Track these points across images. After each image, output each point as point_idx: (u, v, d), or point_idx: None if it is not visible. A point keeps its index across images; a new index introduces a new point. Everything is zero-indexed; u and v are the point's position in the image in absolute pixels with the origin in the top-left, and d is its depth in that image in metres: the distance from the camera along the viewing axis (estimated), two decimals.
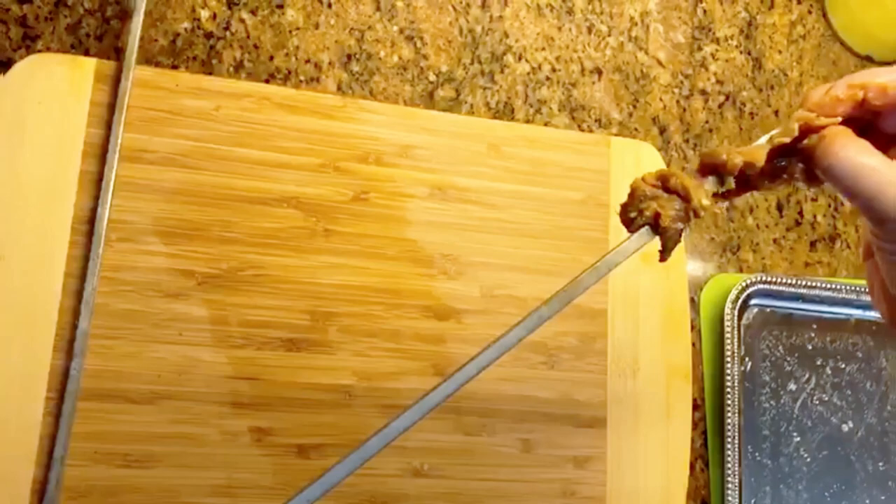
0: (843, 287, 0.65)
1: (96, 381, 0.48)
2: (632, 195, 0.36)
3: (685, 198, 0.35)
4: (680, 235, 0.36)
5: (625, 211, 0.36)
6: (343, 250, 0.54)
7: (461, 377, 0.34)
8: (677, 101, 0.67)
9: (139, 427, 0.49)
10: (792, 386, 0.64)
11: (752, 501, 0.61)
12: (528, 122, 0.62)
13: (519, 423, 0.55)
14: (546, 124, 0.63)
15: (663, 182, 0.36)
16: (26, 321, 0.48)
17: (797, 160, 0.35)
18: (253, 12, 0.58)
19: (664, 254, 0.36)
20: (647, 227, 0.35)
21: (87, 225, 0.50)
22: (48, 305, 0.49)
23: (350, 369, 0.53)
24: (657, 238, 0.36)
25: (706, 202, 0.35)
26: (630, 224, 0.36)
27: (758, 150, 0.35)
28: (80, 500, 0.47)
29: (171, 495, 0.48)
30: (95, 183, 0.50)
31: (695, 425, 0.61)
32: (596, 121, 0.65)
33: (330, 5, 0.59)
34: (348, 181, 0.55)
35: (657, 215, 0.35)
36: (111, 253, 0.50)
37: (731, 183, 0.36)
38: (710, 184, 0.35)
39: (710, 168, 0.35)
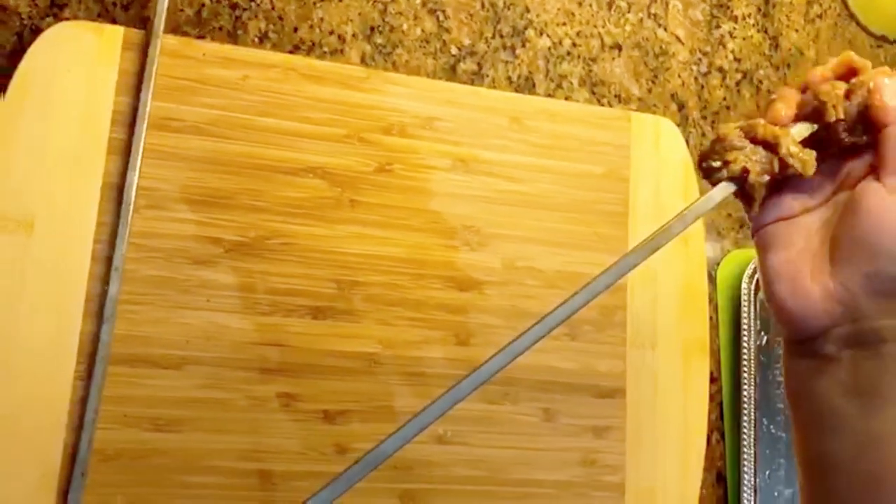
0: None
1: (125, 346, 0.49)
2: (717, 141, 0.36)
3: (772, 147, 0.35)
4: (765, 189, 0.35)
5: (705, 158, 0.36)
6: (368, 220, 0.55)
7: (562, 312, 0.34)
8: (695, 78, 0.68)
9: (168, 392, 0.49)
10: None
11: (767, 473, 0.61)
12: (548, 96, 0.63)
13: (540, 393, 0.56)
14: (566, 99, 0.63)
15: (747, 133, 0.35)
16: (56, 287, 0.48)
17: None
18: None
19: (751, 206, 0.36)
20: (730, 181, 0.35)
21: (116, 192, 0.50)
22: (78, 271, 0.49)
23: (375, 337, 0.53)
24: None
25: (794, 149, 0.34)
26: (710, 172, 0.36)
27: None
28: (110, 463, 0.48)
29: (199, 459, 0.49)
30: (124, 150, 0.51)
31: (711, 398, 0.61)
32: (616, 96, 0.65)
33: None
34: (373, 152, 0.56)
35: (745, 169, 0.35)
36: (140, 220, 0.50)
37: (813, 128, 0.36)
38: (797, 131, 0.35)
39: (805, 112, 0.36)
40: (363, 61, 0.59)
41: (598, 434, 0.56)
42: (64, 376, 0.48)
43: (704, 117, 0.67)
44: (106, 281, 0.49)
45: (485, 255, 0.57)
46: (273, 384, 0.51)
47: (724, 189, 0.35)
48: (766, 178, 0.35)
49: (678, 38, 0.68)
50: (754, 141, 0.35)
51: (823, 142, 0.36)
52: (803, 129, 0.36)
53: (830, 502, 0.35)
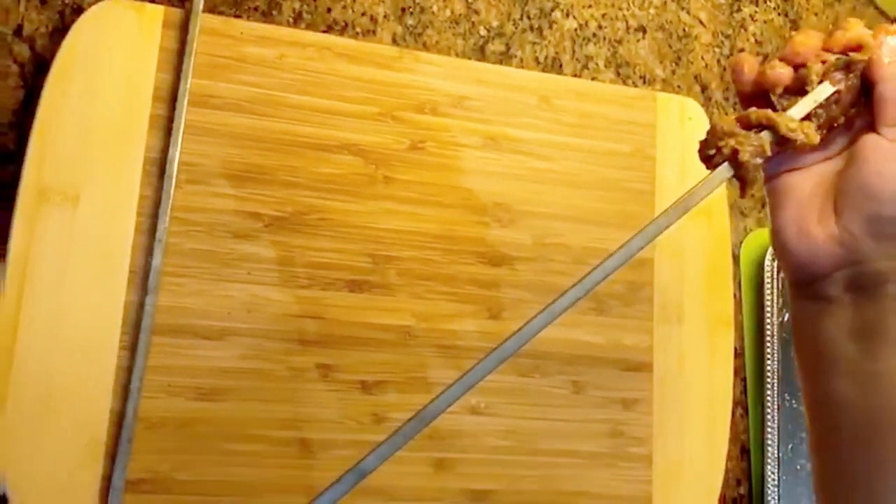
0: None
1: (169, 316, 0.50)
2: (710, 132, 0.37)
3: (772, 128, 0.36)
4: (759, 171, 0.36)
5: (703, 149, 0.37)
6: (401, 197, 0.56)
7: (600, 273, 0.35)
8: (718, 60, 0.69)
9: (210, 362, 0.50)
10: None
11: (790, 446, 0.63)
12: (575, 76, 0.64)
13: (569, 366, 0.57)
14: (593, 79, 0.64)
15: (742, 121, 0.37)
16: (101, 258, 0.50)
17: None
18: None
19: (744, 189, 0.37)
20: (725, 163, 0.36)
21: (158, 167, 0.51)
22: (122, 244, 0.50)
23: (409, 311, 0.55)
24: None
25: (793, 125, 0.36)
26: (709, 161, 0.37)
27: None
28: (155, 431, 0.49)
29: (241, 427, 0.50)
30: (165, 126, 0.52)
31: (734, 373, 0.63)
32: (640, 77, 0.66)
33: None
34: (405, 130, 0.57)
35: (735, 151, 0.36)
36: (181, 194, 0.51)
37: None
38: (796, 110, 0.36)
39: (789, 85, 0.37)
40: (394, 42, 0.60)
41: (625, 406, 0.58)
42: (109, 346, 0.49)
43: (727, 98, 0.68)
44: (149, 253, 0.50)
45: (515, 232, 0.58)
46: (312, 355, 0.52)
47: (720, 173, 0.36)
48: (759, 160, 0.36)
49: (701, 21, 0.69)
50: (748, 127, 0.36)
51: (832, 109, 0.37)
52: (804, 107, 0.37)
53: (836, 441, 0.37)
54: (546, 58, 0.64)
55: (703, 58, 0.68)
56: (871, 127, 0.36)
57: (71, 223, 0.49)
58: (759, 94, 0.38)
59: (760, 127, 0.36)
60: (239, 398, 0.50)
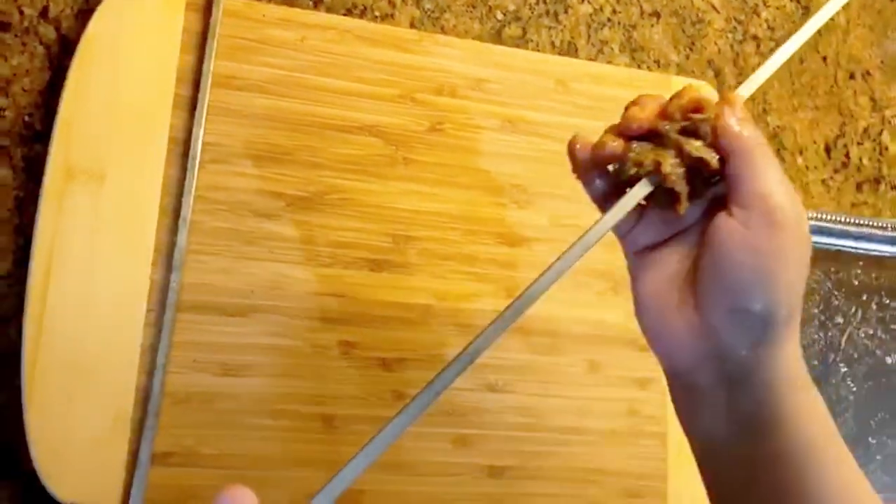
0: (889, 225, 0.67)
1: (193, 294, 0.51)
2: (623, 156, 0.36)
3: (657, 166, 0.35)
4: (684, 182, 0.35)
5: (620, 171, 0.36)
6: (421, 178, 0.57)
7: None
8: (731, 46, 0.70)
9: (235, 338, 0.51)
10: (839, 319, 0.66)
11: None
12: (590, 61, 0.64)
13: (585, 345, 0.58)
14: (608, 64, 0.65)
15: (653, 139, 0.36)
16: (127, 237, 0.50)
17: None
18: None
19: (678, 201, 0.35)
20: (650, 175, 0.35)
21: (182, 147, 0.52)
22: (147, 222, 0.51)
23: (429, 290, 0.55)
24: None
25: (666, 168, 0.34)
26: (632, 181, 0.36)
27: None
28: (180, 406, 0.50)
29: (264, 403, 0.51)
30: (189, 107, 0.53)
31: None
32: (655, 62, 0.67)
33: None
34: (424, 112, 0.57)
35: (658, 164, 0.35)
36: (205, 174, 0.52)
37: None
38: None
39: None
40: (412, 26, 0.61)
41: (641, 385, 0.58)
42: (135, 322, 0.50)
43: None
44: (174, 231, 0.51)
45: (532, 213, 0.58)
46: (334, 332, 0.53)
47: (644, 186, 0.35)
48: (682, 169, 0.35)
49: (714, 7, 0.70)
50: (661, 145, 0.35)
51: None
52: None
53: None
54: (562, 42, 0.64)
55: (716, 43, 0.69)
56: (724, 202, 0.34)
57: (97, 202, 0.50)
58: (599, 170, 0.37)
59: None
60: (263, 374, 0.51)
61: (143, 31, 0.52)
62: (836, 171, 0.70)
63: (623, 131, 0.37)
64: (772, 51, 0.40)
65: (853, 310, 0.67)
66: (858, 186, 0.71)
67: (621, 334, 0.59)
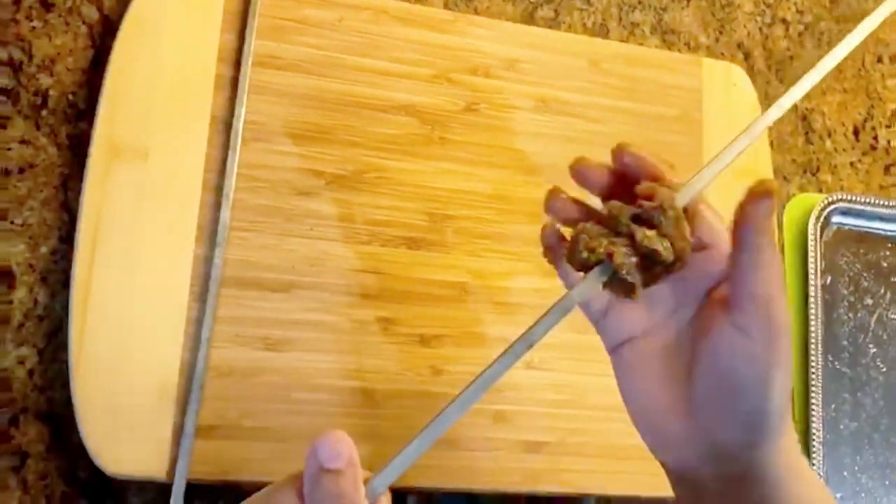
0: None
1: (236, 269, 0.52)
2: (575, 236, 0.35)
3: (609, 256, 0.34)
4: (636, 273, 0.34)
5: (572, 252, 0.35)
6: (456, 157, 0.57)
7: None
8: (760, 29, 0.70)
9: (276, 314, 0.52)
10: (868, 300, 0.67)
11: (833, 406, 0.64)
12: (622, 42, 0.65)
13: None
14: (639, 46, 0.65)
15: (608, 225, 0.35)
16: (171, 213, 0.51)
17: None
18: None
19: (630, 292, 0.34)
20: (602, 264, 0.34)
21: (224, 125, 0.53)
22: (190, 199, 0.51)
23: (465, 268, 0.56)
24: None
25: (618, 260, 0.34)
26: (582, 265, 0.35)
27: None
28: (223, 379, 0.50)
29: (306, 377, 0.52)
30: (230, 86, 0.53)
31: None
32: (685, 44, 0.67)
33: None
34: (460, 92, 0.58)
35: (610, 254, 0.34)
36: (246, 152, 0.53)
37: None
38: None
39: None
40: (446, 7, 0.61)
41: None
42: (179, 297, 0.50)
43: (769, 66, 0.69)
44: (216, 208, 0.52)
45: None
46: (372, 309, 0.53)
47: (599, 274, 0.34)
48: (634, 259, 0.34)
49: None
50: (618, 234, 0.34)
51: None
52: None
53: None
54: (594, 24, 0.65)
55: (745, 26, 0.69)
56: (721, 304, 0.33)
57: (141, 178, 0.51)
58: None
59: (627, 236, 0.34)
60: (304, 349, 0.52)
61: (184, 11, 0.53)
62: (864, 153, 0.71)
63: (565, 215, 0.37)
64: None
65: (882, 291, 0.67)
66: (886, 169, 0.71)
67: None
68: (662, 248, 0.33)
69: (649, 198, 0.34)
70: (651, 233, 0.34)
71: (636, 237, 0.34)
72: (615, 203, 0.35)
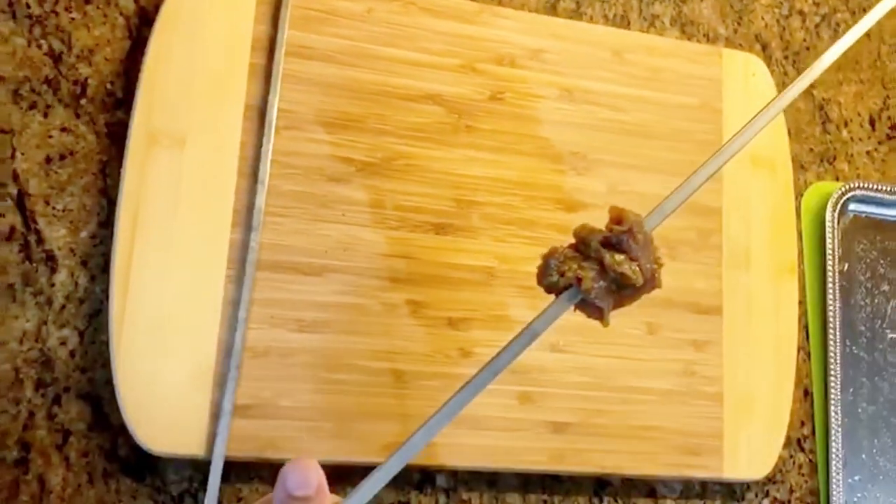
0: None
1: (271, 253, 0.53)
2: (546, 259, 0.36)
3: (578, 281, 0.35)
4: (607, 297, 0.35)
5: (542, 274, 0.36)
6: (482, 145, 0.58)
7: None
8: (777, 20, 0.71)
9: (310, 296, 0.53)
10: (885, 287, 0.68)
11: (851, 391, 0.65)
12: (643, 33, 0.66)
13: (643, 308, 0.59)
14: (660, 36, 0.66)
15: (579, 247, 0.36)
16: (207, 199, 0.52)
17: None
18: None
19: (600, 316, 0.35)
20: (572, 288, 0.35)
21: (258, 113, 0.54)
22: (226, 185, 0.53)
23: (491, 253, 0.57)
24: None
25: (587, 285, 0.34)
26: (552, 288, 0.36)
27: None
28: (259, 359, 0.52)
29: (338, 358, 0.53)
30: (264, 75, 0.55)
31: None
32: (704, 35, 0.68)
33: None
34: (485, 81, 0.59)
35: (579, 279, 0.34)
36: (279, 139, 0.54)
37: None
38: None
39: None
40: None
41: (697, 347, 0.60)
42: (216, 280, 0.52)
43: (787, 57, 0.70)
44: (252, 194, 0.53)
45: (590, 180, 0.60)
46: (402, 292, 0.55)
47: (569, 298, 0.35)
48: (603, 284, 0.35)
49: None
50: (586, 255, 0.35)
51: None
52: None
53: None
54: (615, 16, 0.66)
55: (763, 18, 0.71)
56: None
57: (178, 165, 0.52)
58: None
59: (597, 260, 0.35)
60: (336, 330, 0.53)
61: (219, 3, 0.55)
62: (880, 142, 0.72)
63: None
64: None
65: None
66: None
67: (678, 297, 0.60)
68: (631, 272, 0.34)
69: (619, 221, 0.35)
70: (620, 257, 0.34)
71: (605, 261, 0.34)
72: (585, 227, 0.36)
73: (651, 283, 0.35)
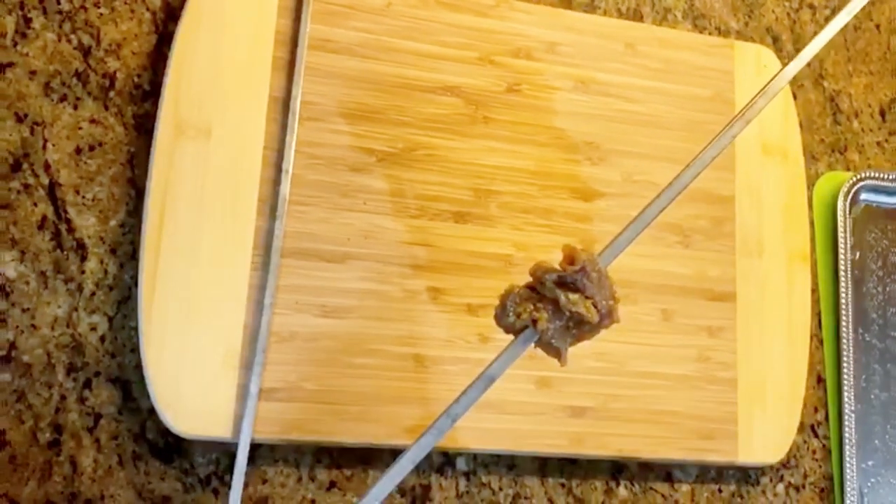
0: None
1: (295, 241, 0.54)
2: (503, 300, 0.37)
3: (534, 323, 0.36)
4: (564, 338, 0.36)
5: (500, 315, 0.37)
6: (500, 136, 0.60)
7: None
8: (788, 14, 0.72)
9: (333, 283, 0.54)
10: None
11: (864, 377, 0.66)
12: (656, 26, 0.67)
13: (658, 295, 0.61)
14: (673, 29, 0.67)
15: (536, 288, 0.37)
16: (233, 188, 0.54)
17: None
18: None
19: (559, 357, 0.37)
20: (528, 329, 0.36)
21: (282, 105, 0.56)
22: (251, 174, 0.54)
23: (509, 241, 0.58)
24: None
25: (542, 325, 0.35)
26: (509, 328, 0.37)
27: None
28: (284, 344, 0.53)
29: (361, 343, 0.54)
30: (287, 68, 0.56)
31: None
32: (716, 28, 0.69)
33: None
34: (502, 73, 0.60)
35: (534, 321, 0.35)
36: (302, 130, 0.55)
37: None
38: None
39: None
40: None
41: (711, 334, 0.61)
42: (242, 266, 0.53)
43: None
44: (276, 183, 0.54)
45: (605, 169, 0.61)
46: (422, 279, 0.56)
47: (526, 339, 0.36)
48: (559, 324, 0.35)
49: None
50: (542, 298, 0.36)
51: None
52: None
53: None
54: (628, 9, 0.67)
55: (773, 11, 0.72)
56: None
57: (205, 155, 0.54)
58: None
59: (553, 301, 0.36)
60: (359, 316, 0.54)
61: None
62: (890, 133, 0.73)
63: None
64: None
65: None
66: None
67: (691, 284, 0.61)
68: (585, 310, 0.35)
69: (571, 261, 0.36)
70: (575, 297, 0.35)
71: (560, 301, 0.35)
72: (540, 266, 0.37)
73: (608, 318, 0.36)
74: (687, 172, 0.40)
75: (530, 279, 0.56)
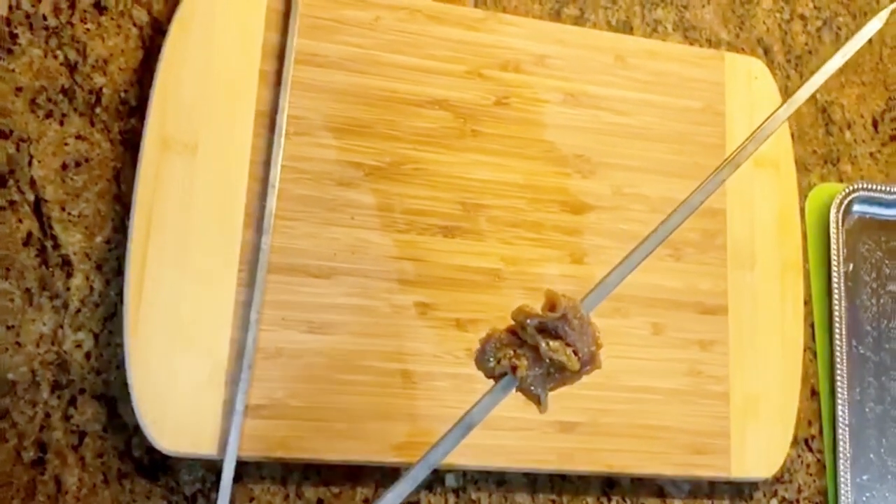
0: None
1: (281, 256, 0.54)
2: (484, 343, 0.36)
3: (513, 369, 0.35)
4: (544, 385, 0.35)
5: (480, 359, 0.36)
6: (488, 149, 0.59)
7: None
8: (779, 25, 0.72)
9: (320, 298, 0.54)
10: (891, 286, 0.68)
11: (858, 390, 0.65)
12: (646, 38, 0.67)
13: (649, 308, 0.60)
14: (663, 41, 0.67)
15: (517, 333, 0.36)
16: (219, 202, 0.54)
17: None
18: None
19: (539, 403, 0.36)
20: (508, 375, 0.35)
21: (268, 119, 0.55)
22: (237, 189, 0.54)
23: (498, 255, 0.58)
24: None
25: (522, 373, 0.35)
26: (489, 373, 0.36)
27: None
28: (271, 360, 0.53)
29: (349, 359, 0.54)
30: (274, 82, 0.56)
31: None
32: (707, 40, 0.69)
33: None
34: (491, 87, 0.60)
35: (514, 367, 0.35)
36: (289, 145, 0.55)
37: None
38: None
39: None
40: (477, 6, 0.64)
41: (703, 347, 0.60)
42: (229, 282, 0.53)
43: (789, 61, 0.71)
44: (263, 198, 0.54)
45: (595, 182, 0.61)
46: (411, 294, 0.56)
47: (506, 386, 0.36)
48: (539, 371, 0.35)
49: None
50: (522, 340, 0.35)
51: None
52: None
53: None
54: (617, 21, 0.67)
55: (764, 22, 0.71)
56: None
57: (191, 170, 0.53)
58: None
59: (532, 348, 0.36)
60: (346, 332, 0.54)
61: (230, 11, 0.56)
62: (883, 144, 0.72)
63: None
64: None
65: None
66: None
67: (682, 298, 0.61)
68: (566, 358, 0.35)
69: (552, 308, 0.36)
70: (555, 344, 0.34)
71: (540, 348, 0.35)
72: (521, 311, 0.36)
73: (590, 365, 0.36)
74: (674, 217, 0.39)
75: (526, 287, 0.55)
